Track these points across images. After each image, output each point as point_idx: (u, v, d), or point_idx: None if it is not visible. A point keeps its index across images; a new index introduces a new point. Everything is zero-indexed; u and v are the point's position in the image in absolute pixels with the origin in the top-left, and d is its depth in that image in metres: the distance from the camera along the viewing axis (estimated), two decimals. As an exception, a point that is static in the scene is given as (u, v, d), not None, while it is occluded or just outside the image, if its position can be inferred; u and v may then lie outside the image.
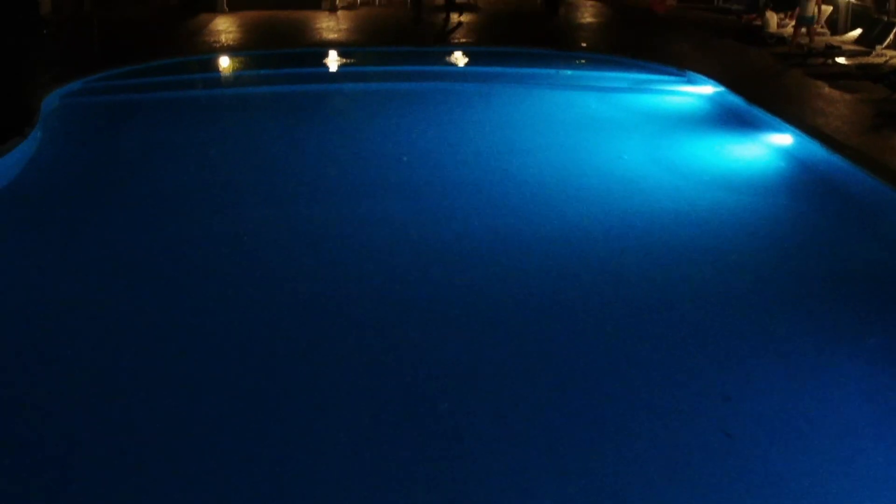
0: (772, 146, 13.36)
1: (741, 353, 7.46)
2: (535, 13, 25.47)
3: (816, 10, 18.70)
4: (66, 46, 19.82)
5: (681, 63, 18.01)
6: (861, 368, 7.16)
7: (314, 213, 10.72)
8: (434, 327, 7.90)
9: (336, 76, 19.10)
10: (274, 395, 6.88)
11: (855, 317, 8.07)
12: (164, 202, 11.01)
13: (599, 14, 26.02)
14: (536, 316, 8.13)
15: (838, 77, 16.16)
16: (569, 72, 18.72)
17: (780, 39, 19.59)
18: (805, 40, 18.61)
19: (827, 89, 15.52)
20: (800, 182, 12.33)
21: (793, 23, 19.36)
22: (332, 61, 19.64)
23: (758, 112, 14.31)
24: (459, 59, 20.28)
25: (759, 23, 21.03)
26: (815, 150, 12.34)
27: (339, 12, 25.23)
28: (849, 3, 20.27)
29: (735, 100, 15.22)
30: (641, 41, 20.82)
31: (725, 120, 14.85)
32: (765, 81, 16.42)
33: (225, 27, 22.57)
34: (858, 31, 18.91)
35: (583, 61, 19.76)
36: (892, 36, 17.59)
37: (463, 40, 21.44)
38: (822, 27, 19.81)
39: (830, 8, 20.06)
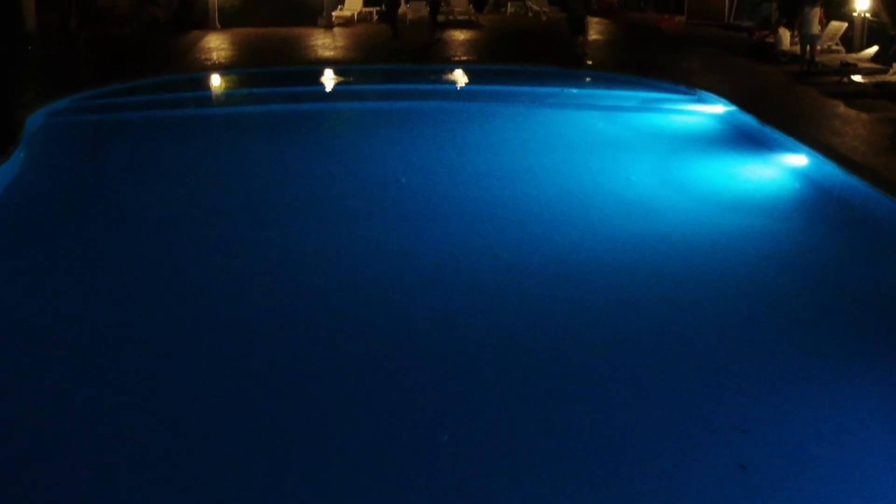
0: (786, 167, 13.06)
1: (756, 380, 7.16)
2: (540, 31, 25.11)
3: (820, 27, 18.23)
4: (51, 63, 19.51)
5: (691, 81, 17.72)
6: (882, 398, 6.84)
7: (302, 231, 10.46)
8: (436, 358, 7.53)
9: (330, 94, 18.81)
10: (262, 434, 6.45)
11: (873, 343, 7.76)
12: (151, 225, 10.67)
13: (607, 31, 25.72)
14: (543, 343, 7.79)
15: (854, 96, 15.86)
16: (575, 90, 18.45)
17: (794, 57, 19.16)
18: (808, 58, 18.14)
19: (843, 108, 15.20)
20: (815, 204, 12.06)
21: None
22: (328, 79, 19.36)
23: (771, 132, 13.96)
24: (458, 77, 19.97)
25: (771, 40, 20.68)
26: (832, 172, 12.01)
27: (336, 29, 24.95)
28: (864, 20, 19.84)
29: (747, 119, 14.87)
30: (650, 59, 20.54)
31: (738, 140, 14.49)
32: (778, 100, 16.05)
33: (216, 44, 22.34)
34: (875, 49, 18.50)
35: (589, 79, 19.41)
36: (909, 53, 17.20)
37: (464, 58, 21.15)
38: (836, 44, 19.42)
39: (845, 25, 19.65)
